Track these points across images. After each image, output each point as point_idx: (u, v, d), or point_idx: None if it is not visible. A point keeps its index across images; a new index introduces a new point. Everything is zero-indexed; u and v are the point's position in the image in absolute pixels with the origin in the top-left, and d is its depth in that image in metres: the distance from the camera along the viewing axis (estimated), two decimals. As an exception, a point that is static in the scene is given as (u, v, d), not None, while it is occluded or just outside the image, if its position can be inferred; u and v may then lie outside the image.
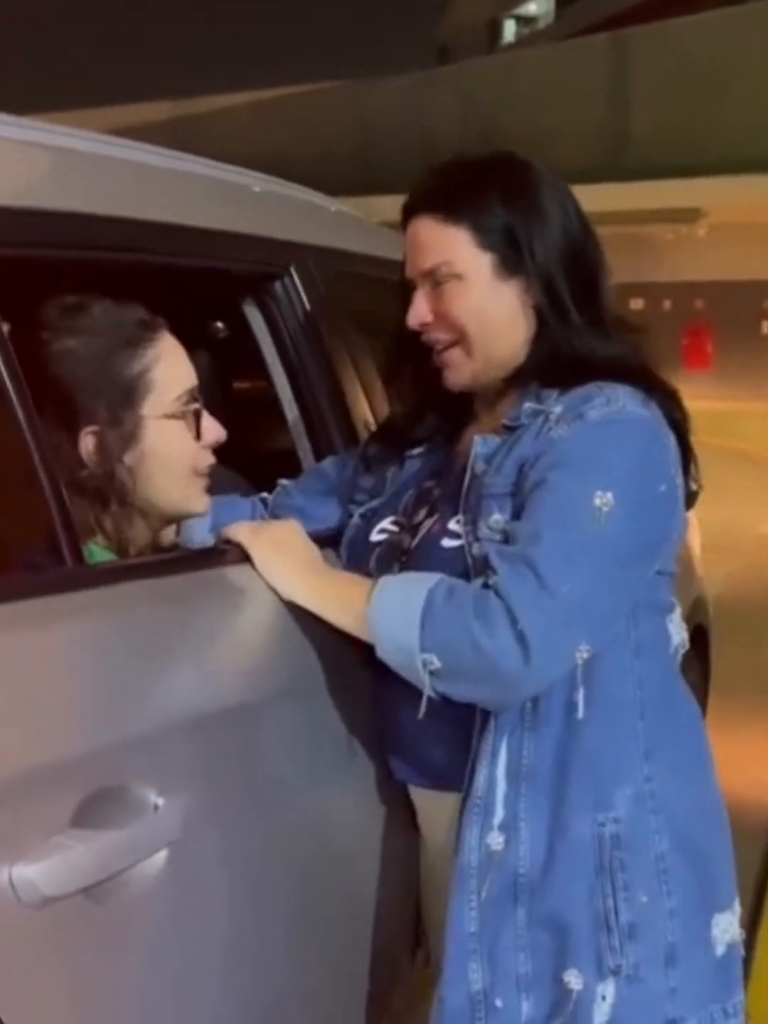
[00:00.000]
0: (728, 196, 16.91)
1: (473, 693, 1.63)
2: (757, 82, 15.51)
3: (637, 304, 19.98)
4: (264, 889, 1.62)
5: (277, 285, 2.12)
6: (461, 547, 1.70)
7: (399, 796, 1.88)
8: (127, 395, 1.72)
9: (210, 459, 1.82)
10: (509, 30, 28.39)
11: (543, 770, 1.67)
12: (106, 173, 1.83)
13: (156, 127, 17.42)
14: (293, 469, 2.13)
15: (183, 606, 1.59)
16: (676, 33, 17.00)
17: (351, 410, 2.15)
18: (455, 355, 1.77)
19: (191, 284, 2.16)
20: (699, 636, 3.60)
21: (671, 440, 1.71)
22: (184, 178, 2.05)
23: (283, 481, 2.07)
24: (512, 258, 1.72)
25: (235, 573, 1.70)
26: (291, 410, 2.15)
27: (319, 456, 2.12)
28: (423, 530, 1.79)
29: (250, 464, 2.26)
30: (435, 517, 1.78)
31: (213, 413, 1.95)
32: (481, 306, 1.74)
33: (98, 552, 1.70)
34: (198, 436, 1.78)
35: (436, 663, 1.58)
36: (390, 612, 1.62)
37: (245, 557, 1.73)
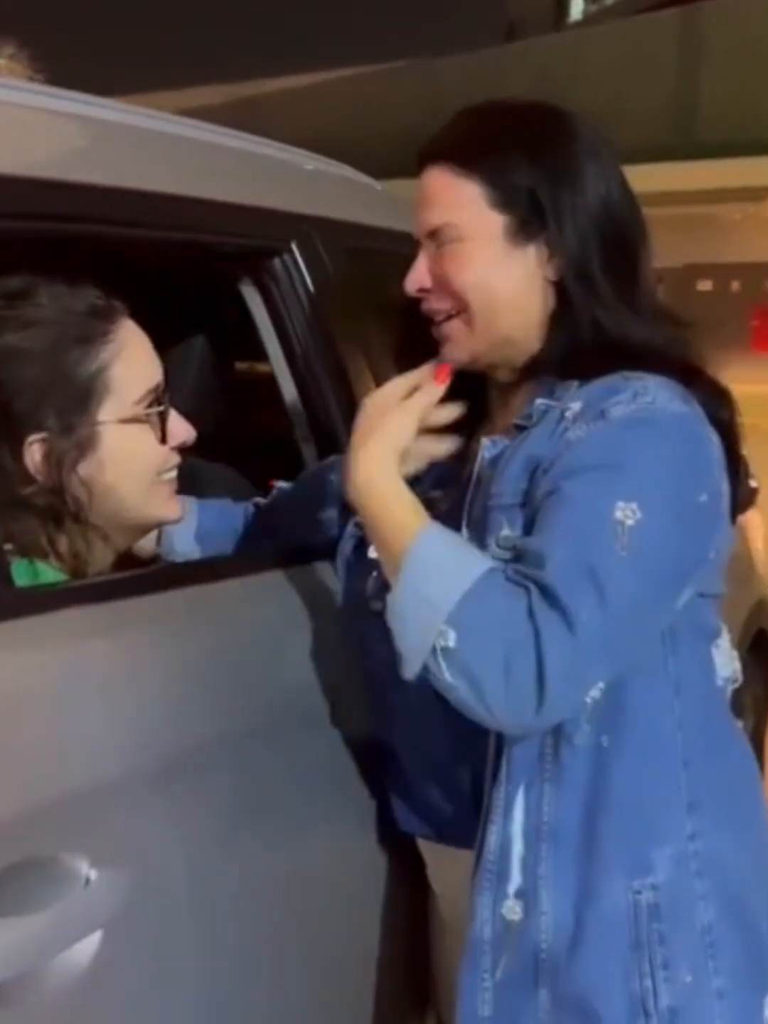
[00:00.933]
0: (801, 174, 16.44)
1: (466, 697, 1.31)
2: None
3: (705, 285, 19.53)
4: (230, 971, 1.38)
5: (276, 262, 1.88)
6: None
7: (404, 847, 1.64)
8: (81, 399, 1.48)
9: (176, 460, 1.59)
10: (576, 7, 27.98)
11: (567, 828, 1.43)
12: (70, 132, 1.60)
13: (217, 110, 17.25)
14: (294, 466, 1.90)
15: (128, 635, 1.35)
16: (746, 9, 16.56)
17: (358, 399, 1.90)
18: (455, 327, 1.52)
19: (178, 261, 1.92)
20: (762, 642, 3.34)
21: (715, 441, 1.44)
22: (165, 140, 1.81)
23: (280, 484, 1.83)
24: (531, 221, 1.48)
25: (201, 593, 1.46)
26: (292, 400, 1.92)
27: (322, 452, 1.88)
28: None
29: (247, 459, 2.02)
30: None
31: (206, 405, 1.72)
32: (486, 274, 1.49)
33: (48, 573, 1.46)
34: (164, 439, 1.55)
35: (450, 643, 1.30)
36: (439, 554, 1.35)
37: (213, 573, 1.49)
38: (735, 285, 20.69)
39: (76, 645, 1.28)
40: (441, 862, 1.62)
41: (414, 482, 1.64)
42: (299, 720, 1.50)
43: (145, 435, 1.53)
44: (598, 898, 1.42)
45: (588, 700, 1.36)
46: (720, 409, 1.48)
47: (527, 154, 1.47)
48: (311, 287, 1.89)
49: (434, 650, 1.31)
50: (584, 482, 1.36)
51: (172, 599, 1.43)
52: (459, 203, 1.49)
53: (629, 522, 1.32)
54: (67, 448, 1.46)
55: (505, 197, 1.47)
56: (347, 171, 2.27)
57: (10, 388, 1.45)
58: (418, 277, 1.53)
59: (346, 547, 1.67)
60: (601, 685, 1.35)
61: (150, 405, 1.53)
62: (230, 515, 1.80)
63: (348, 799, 1.58)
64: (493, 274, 1.49)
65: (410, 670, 1.33)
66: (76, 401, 1.48)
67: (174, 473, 1.59)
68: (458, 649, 1.30)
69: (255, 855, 1.43)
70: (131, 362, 1.52)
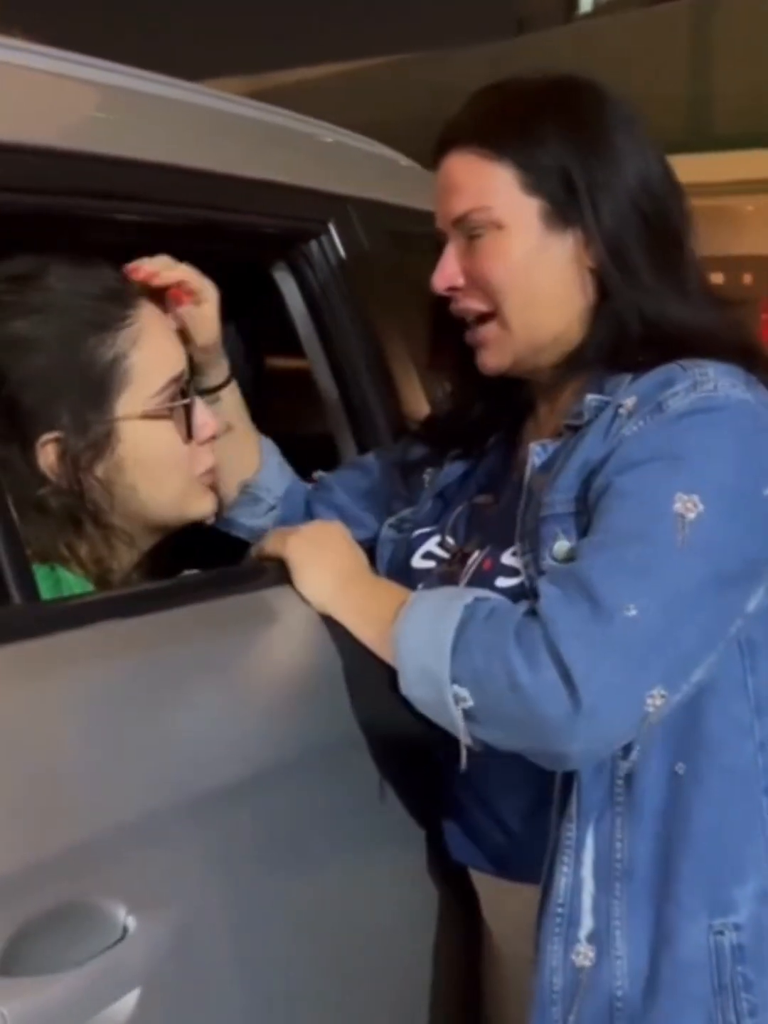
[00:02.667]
0: (814, 167, 16.34)
1: (516, 742, 1.26)
2: None
3: (717, 278, 19.32)
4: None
5: (313, 245, 1.75)
6: (521, 585, 1.33)
7: (454, 878, 1.51)
8: (96, 392, 1.35)
9: (210, 460, 1.46)
10: (586, 0, 27.77)
11: (642, 866, 1.31)
12: (81, 99, 1.47)
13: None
14: (331, 463, 1.77)
15: (167, 654, 1.22)
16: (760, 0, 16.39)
17: (400, 393, 1.78)
18: (491, 331, 1.40)
19: (204, 243, 1.79)
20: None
21: None
22: (189, 111, 1.67)
23: (320, 474, 1.71)
24: (568, 205, 1.36)
25: (239, 605, 1.33)
26: (329, 392, 1.79)
27: (362, 448, 1.75)
28: (473, 564, 1.41)
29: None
30: (487, 548, 1.40)
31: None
32: (524, 265, 1.37)
33: (71, 580, 1.33)
34: (190, 435, 1.42)
35: (469, 701, 1.23)
36: (418, 631, 1.28)
37: (276, 576, 1.39)
38: (747, 278, 20.52)
39: (109, 665, 1.15)
40: (497, 895, 1.49)
41: (462, 483, 1.52)
42: (350, 746, 1.37)
43: (168, 431, 1.40)
44: (676, 940, 1.30)
45: (650, 709, 1.21)
46: None
47: (558, 130, 1.36)
48: (350, 271, 1.75)
49: (465, 717, 1.23)
50: (640, 475, 1.25)
51: (211, 611, 1.30)
52: (491, 188, 1.37)
53: (690, 516, 1.22)
54: (82, 447, 1.33)
55: (538, 179, 1.36)
56: (389, 152, 2.14)
57: (19, 381, 1.33)
58: (448, 274, 1.41)
59: (384, 552, 1.55)
60: (663, 693, 1.21)
61: (173, 397, 1.40)
62: (296, 493, 1.69)
63: (399, 829, 1.45)
64: (534, 266, 1.37)
65: (464, 747, 1.26)
66: (91, 395, 1.35)
67: (209, 473, 1.46)
68: (476, 703, 1.23)
69: (305, 892, 1.30)
70: (151, 349, 1.39)
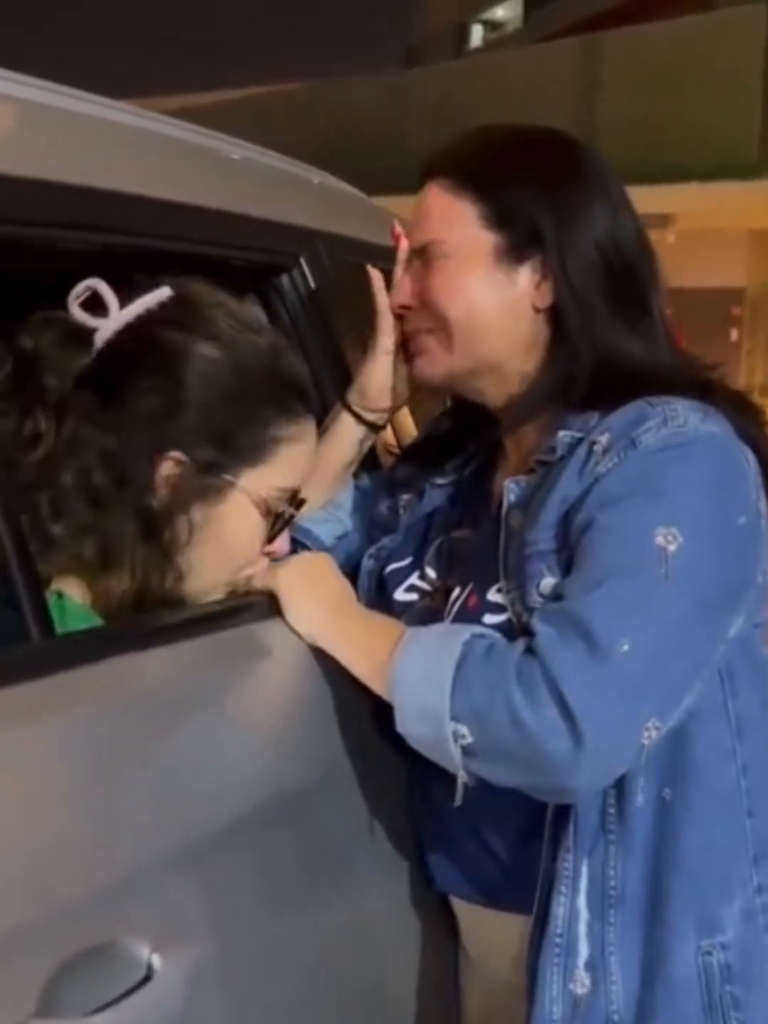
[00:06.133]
0: (698, 202, 16.79)
1: (517, 778, 1.29)
2: (728, 89, 15.40)
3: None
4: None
5: (284, 278, 1.77)
6: (508, 622, 1.36)
7: (437, 906, 1.54)
8: (241, 450, 1.40)
9: (253, 569, 1.46)
10: (476, 34, 28.27)
11: (633, 891, 1.34)
12: (63, 128, 1.47)
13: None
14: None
15: (167, 688, 1.22)
16: (645, 39, 16.83)
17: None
18: (431, 342, 1.47)
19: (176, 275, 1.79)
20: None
21: (751, 459, 1.37)
22: (167, 143, 1.68)
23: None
24: (524, 245, 1.42)
25: (242, 637, 1.34)
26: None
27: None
28: (457, 602, 1.44)
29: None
30: (470, 586, 1.43)
31: None
32: (471, 295, 1.44)
33: (77, 610, 1.32)
34: (270, 540, 1.45)
35: (468, 737, 1.25)
36: (416, 668, 1.29)
37: (266, 609, 1.40)
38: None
39: (117, 702, 1.15)
40: (480, 923, 1.51)
41: (437, 516, 1.55)
42: (344, 776, 1.38)
43: (258, 525, 1.43)
44: (667, 961, 1.34)
45: (645, 741, 1.25)
46: (749, 425, 1.41)
47: (529, 176, 1.43)
48: (321, 305, 1.77)
49: (464, 753, 1.26)
50: (621, 511, 1.29)
51: (213, 644, 1.31)
52: (451, 220, 1.44)
53: (671, 548, 1.26)
54: (193, 482, 1.37)
55: (499, 216, 1.43)
56: (345, 185, 2.16)
57: (195, 394, 1.37)
58: (401, 294, 1.50)
59: (364, 583, 1.57)
60: (657, 724, 1.25)
61: (285, 501, 1.44)
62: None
63: (388, 860, 1.47)
64: (477, 294, 1.43)
65: (461, 782, 1.28)
66: (236, 450, 1.39)
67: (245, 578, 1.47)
68: (475, 740, 1.25)
69: (307, 921, 1.31)
70: (300, 453, 1.45)
